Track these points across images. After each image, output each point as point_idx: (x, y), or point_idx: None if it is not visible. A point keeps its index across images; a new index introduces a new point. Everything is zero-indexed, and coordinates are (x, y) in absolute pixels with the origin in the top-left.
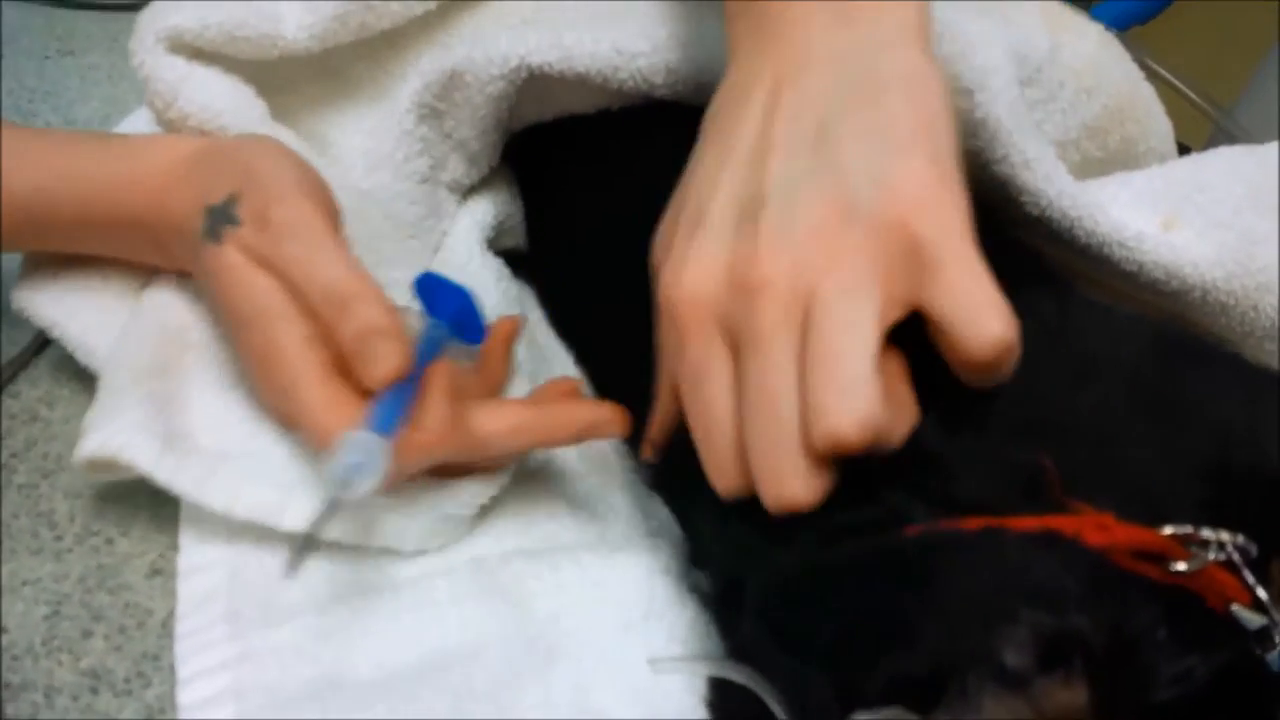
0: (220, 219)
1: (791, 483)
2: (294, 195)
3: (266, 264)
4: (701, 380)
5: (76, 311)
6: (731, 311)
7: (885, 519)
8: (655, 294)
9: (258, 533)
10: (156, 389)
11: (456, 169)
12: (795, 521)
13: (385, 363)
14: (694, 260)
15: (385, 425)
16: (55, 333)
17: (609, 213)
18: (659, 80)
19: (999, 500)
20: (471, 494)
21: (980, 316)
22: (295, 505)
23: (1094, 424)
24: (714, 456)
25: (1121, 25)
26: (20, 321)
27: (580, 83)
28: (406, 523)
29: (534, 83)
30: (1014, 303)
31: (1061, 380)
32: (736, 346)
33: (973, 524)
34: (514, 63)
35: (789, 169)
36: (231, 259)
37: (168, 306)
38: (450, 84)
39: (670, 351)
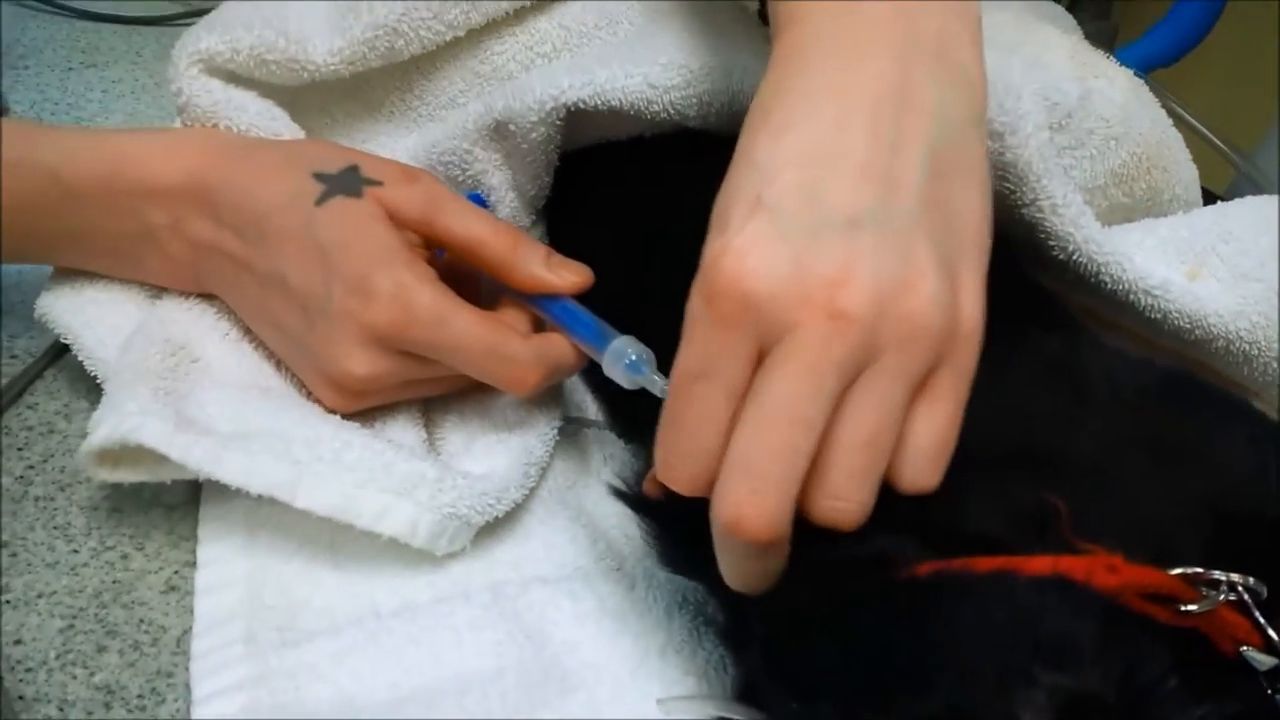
0: (351, 181)
1: (764, 518)
2: (412, 167)
3: (407, 217)
4: (709, 375)
5: (94, 322)
6: (786, 317)
7: (894, 555)
8: (701, 269)
9: (276, 552)
10: (164, 385)
11: (513, 208)
12: (801, 553)
13: (580, 270)
14: (755, 248)
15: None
16: (71, 341)
17: (638, 237)
18: (692, 112)
19: (1009, 538)
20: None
21: (930, 466)
22: (310, 484)
23: (1098, 463)
24: (680, 453)
25: (1145, 68)
26: (37, 333)
27: (614, 115)
28: (419, 514)
29: (569, 116)
30: (1023, 340)
31: (1066, 418)
32: (765, 350)
33: (984, 564)
34: (549, 105)
35: (883, 195)
36: (371, 210)
37: (172, 322)
38: (497, 133)
39: (688, 332)
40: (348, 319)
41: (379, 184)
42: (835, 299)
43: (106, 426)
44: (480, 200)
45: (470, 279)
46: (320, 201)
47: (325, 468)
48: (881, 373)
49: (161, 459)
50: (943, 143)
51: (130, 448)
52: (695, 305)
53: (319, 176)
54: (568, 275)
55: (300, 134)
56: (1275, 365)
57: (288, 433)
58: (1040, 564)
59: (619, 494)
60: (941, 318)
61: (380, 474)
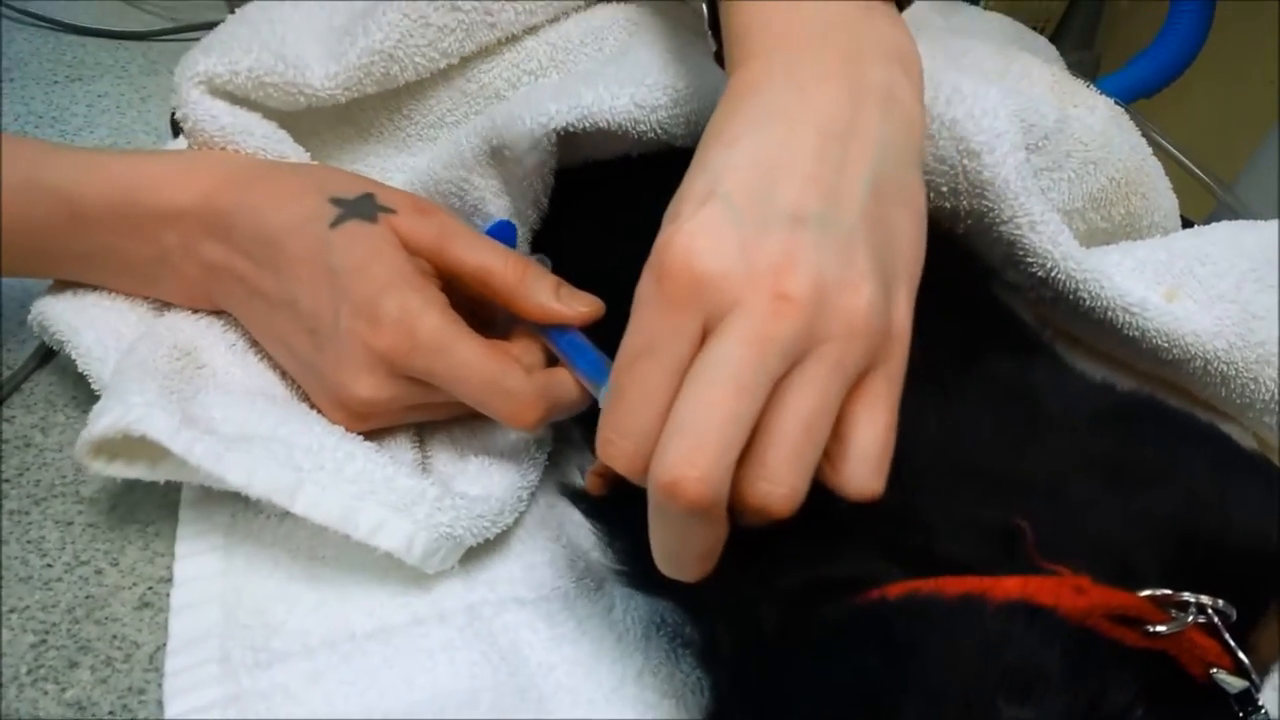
0: (366, 207)
1: (702, 480)
2: (424, 199)
3: (420, 245)
4: (653, 353)
5: (96, 323)
6: (732, 296)
7: (864, 576)
8: (653, 251)
9: (253, 571)
10: (170, 385)
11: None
12: (769, 572)
13: (590, 301)
14: (706, 232)
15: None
16: (68, 341)
17: (623, 257)
18: (679, 131)
19: (978, 559)
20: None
21: (877, 469)
22: (310, 489)
23: (1061, 485)
24: (621, 429)
25: (1127, 98)
26: (15, 345)
27: (602, 135)
28: (416, 531)
29: (559, 137)
30: (987, 362)
31: (1029, 440)
32: (709, 329)
33: (953, 585)
34: (539, 132)
35: (828, 204)
36: (384, 235)
37: (179, 330)
38: (493, 159)
39: (636, 311)
40: (354, 342)
41: (393, 211)
42: (781, 282)
43: (111, 416)
44: (510, 229)
45: (488, 309)
46: (335, 224)
47: (327, 477)
48: (819, 361)
49: (160, 456)
50: (885, 171)
51: (130, 441)
52: (645, 286)
53: (335, 201)
54: (577, 306)
55: (305, 156)
56: (1252, 386)
57: (291, 439)
58: (1010, 585)
59: (568, 493)
60: (879, 320)
61: (381, 488)
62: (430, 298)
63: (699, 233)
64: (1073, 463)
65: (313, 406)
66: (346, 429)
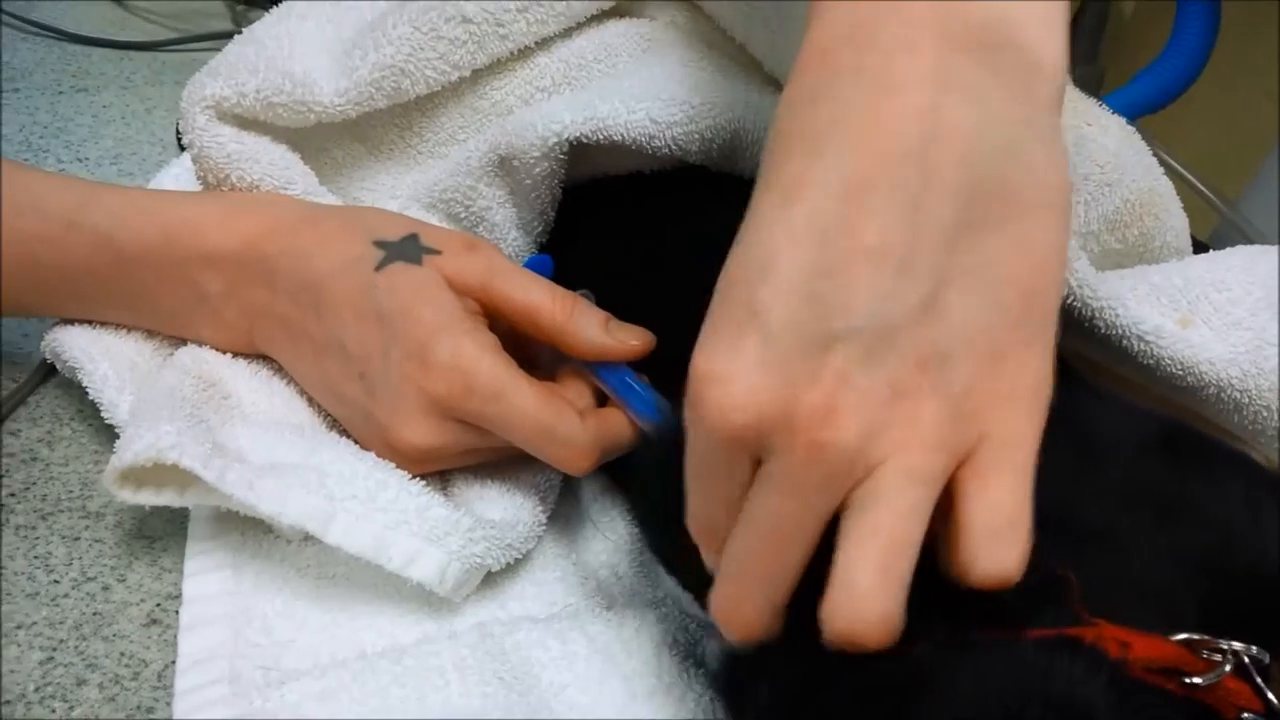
0: (410, 249)
1: (753, 619)
2: (472, 236)
3: (467, 285)
4: (715, 475)
5: (110, 350)
6: (772, 443)
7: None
8: (691, 380)
9: (262, 589)
10: (198, 414)
11: (515, 246)
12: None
13: (640, 334)
14: (740, 381)
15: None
16: (82, 369)
17: (637, 274)
18: (694, 148)
19: (1020, 610)
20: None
21: (1000, 545)
22: (344, 518)
23: (1106, 524)
24: (698, 521)
25: (1132, 114)
26: (20, 358)
27: (615, 150)
28: (449, 562)
29: (570, 150)
30: None
31: (1069, 473)
32: (757, 463)
33: (990, 635)
34: (552, 140)
35: (880, 287)
36: (430, 277)
37: (203, 361)
38: (501, 169)
39: (691, 434)
40: (408, 385)
41: (438, 252)
42: (820, 429)
43: (142, 443)
44: (548, 263)
45: (533, 344)
46: (380, 267)
47: (359, 505)
48: (887, 474)
49: (188, 483)
50: (980, 172)
51: (158, 469)
52: (690, 417)
53: (379, 244)
54: (627, 339)
55: (314, 181)
56: (1265, 414)
57: (323, 467)
58: (1048, 634)
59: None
60: (953, 423)
61: (414, 518)
62: (482, 341)
63: (733, 383)
64: (1124, 498)
65: (341, 431)
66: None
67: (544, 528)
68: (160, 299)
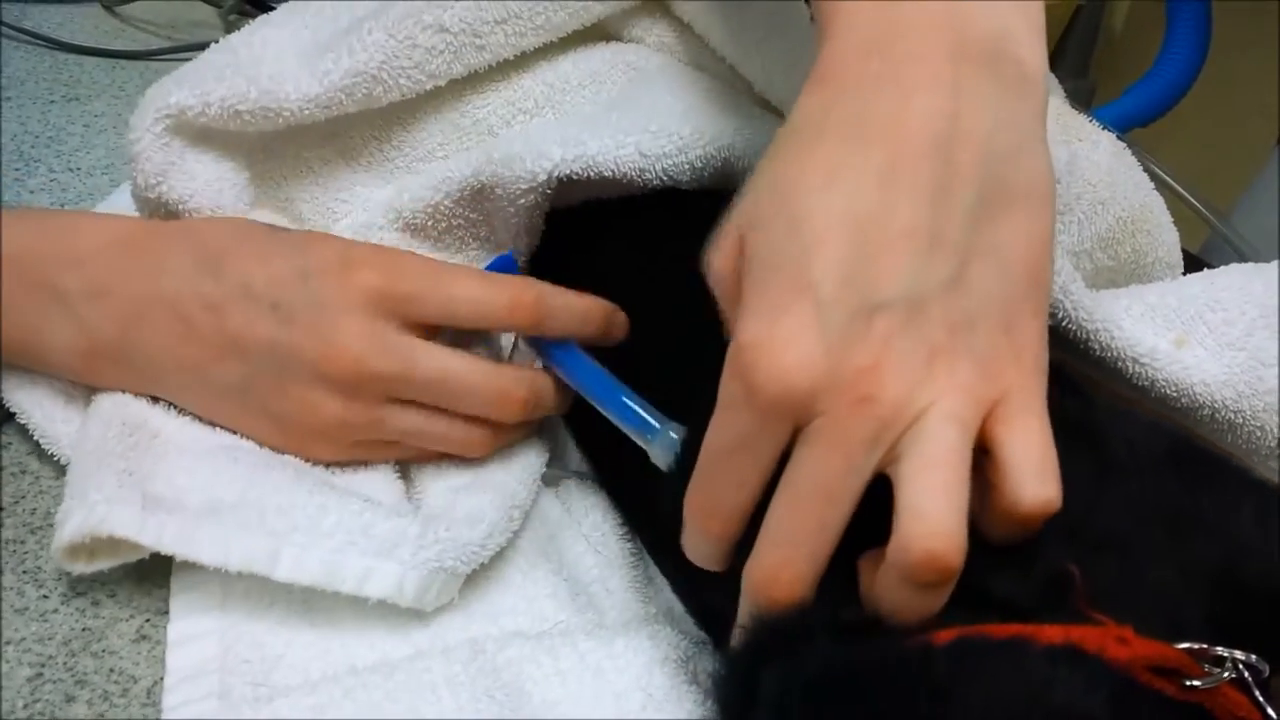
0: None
1: (795, 582)
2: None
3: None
4: (744, 450)
5: (43, 401)
6: (819, 406)
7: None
8: (737, 350)
9: (251, 604)
10: (127, 466)
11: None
12: (815, 616)
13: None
14: (795, 345)
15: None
16: (21, 418)
17: (626, 295)
18: (685, 178)
19: (1027, 603)
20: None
21: (1041, 475)
22: (290, 554)
23: (1117, 531)
24: (711, 507)
25: (1122, 127)
26: None
27: (604, 180)
28: (404, 573)
29: (559, 182)
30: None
31: (1096, 485)
32: (800, 429)
33: (998, 632)
34: (541, 178)
35: (914, 263)
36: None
37: (125, 404)
38: (479, 194)
39: (726, 408)
40: (332, 289)
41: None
42: (865, 386)
43: (75, 520)
44: (511, 262)
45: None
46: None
47: (303, 536)
48: (930, 416)
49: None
50: (993, 170)
51: (102, 538)
52: (731, 390)
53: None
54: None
55: (251, 197)
56: (1259, 434)
57: (261, 501)
58: (1053, 633)
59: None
60: (983, 373)
61: (360, 537)
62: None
63: (788, 348)
64: (1140, 511)
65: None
66: (322, 458)
67: (516, 523)
68: (9, 309)
